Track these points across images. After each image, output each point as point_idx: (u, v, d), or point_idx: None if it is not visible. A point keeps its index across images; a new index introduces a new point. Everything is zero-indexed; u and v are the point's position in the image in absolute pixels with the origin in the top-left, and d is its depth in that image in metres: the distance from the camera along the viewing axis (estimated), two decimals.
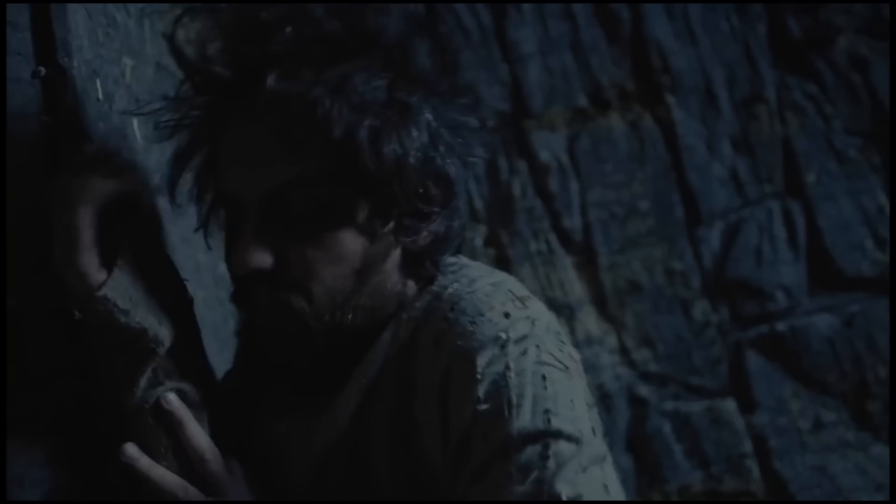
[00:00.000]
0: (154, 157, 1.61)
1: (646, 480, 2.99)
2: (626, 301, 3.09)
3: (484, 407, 1.04)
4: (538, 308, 1.14)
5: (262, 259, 1.12)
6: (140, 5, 1.69)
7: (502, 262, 3.08)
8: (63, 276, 1.08)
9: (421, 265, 1.21)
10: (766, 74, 3.17)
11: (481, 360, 1.06)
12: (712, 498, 2.97)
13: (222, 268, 2.34)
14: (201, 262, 2.09)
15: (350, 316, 1.16)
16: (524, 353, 1.07)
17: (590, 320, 3.07)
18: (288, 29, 1.10)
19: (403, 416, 1.13)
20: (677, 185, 3.13)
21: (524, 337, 1.08)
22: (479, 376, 1.06)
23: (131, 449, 1.10)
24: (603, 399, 3.00)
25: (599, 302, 3.09)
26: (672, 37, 3.17)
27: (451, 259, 1.24)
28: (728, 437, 2.98)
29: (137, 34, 1.64)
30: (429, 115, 1.13)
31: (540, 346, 1.08)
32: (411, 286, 1.21)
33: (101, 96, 1.28)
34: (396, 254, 1.20)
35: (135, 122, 1.45)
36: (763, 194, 3.13)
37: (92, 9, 1.30)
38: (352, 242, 1.14)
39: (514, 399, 1.04)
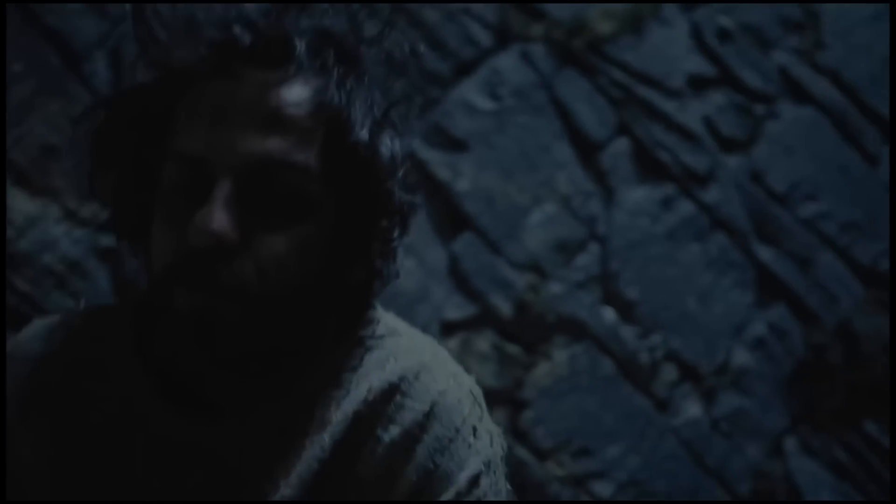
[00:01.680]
0: None
1: None
2: None
3: None
4: (487, 415, 1.08)
5: (231, 230, 0.94)
6: None
7: None
8: None
9: (355, 304, 1.08)
10: None
11: (458, 485, 1.02)
12: None
13: None
14: None
15: (302, 321, 1.02)
16: (492, 485, 1.04)
17: None
18: (304, 20, 1.02)
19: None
20: None
21: (488, 463, 1.05)
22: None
23: None
24: None
25: None
26: None
27: (371, 313, 1.10)
28: None
29: None
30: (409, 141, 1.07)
31: (497, 475, 1.06)
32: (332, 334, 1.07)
33: None
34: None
35: None
36: None
37: None
38: (322, 244, 1.00)
39: None
